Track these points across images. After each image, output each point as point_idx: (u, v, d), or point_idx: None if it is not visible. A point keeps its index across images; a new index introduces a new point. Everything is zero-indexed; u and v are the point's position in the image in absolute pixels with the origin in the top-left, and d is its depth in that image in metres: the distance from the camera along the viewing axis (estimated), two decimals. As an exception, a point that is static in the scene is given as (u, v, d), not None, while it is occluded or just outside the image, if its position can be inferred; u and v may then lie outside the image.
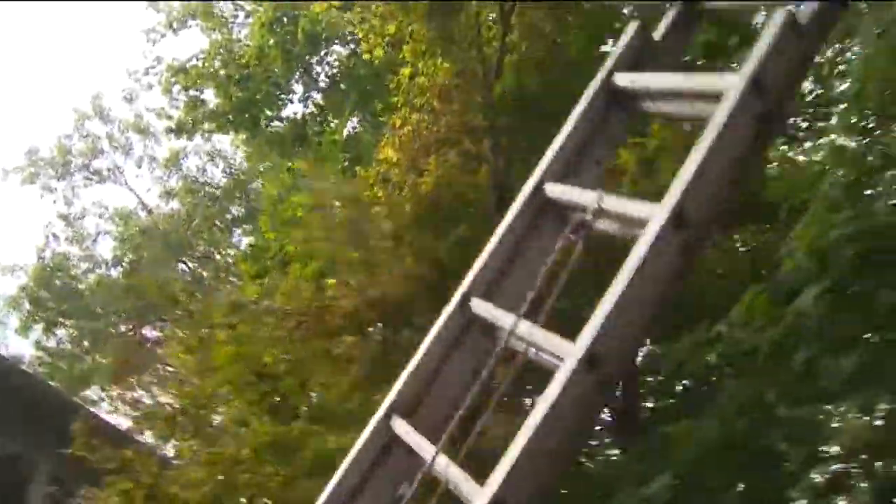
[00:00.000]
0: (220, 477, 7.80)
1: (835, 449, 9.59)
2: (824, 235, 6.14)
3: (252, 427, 8.24)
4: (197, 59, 16.86)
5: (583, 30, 10.56)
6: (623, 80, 3.08)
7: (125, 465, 8.48)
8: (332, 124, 17.43)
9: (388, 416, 2.78)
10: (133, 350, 28.56)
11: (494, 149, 10.13)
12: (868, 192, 7.41)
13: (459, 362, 2.90)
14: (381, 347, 8.77)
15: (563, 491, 8.23)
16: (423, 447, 2.60)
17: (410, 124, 9.80)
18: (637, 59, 3.15)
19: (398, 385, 2.86)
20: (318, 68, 16.99)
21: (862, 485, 8.63)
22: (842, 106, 8.04)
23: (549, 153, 3.08)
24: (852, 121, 7.76)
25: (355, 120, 17.27)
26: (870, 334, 7.73)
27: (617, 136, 3.35)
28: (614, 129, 3.26)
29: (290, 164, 16.90)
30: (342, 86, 17.04)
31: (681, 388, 9.79)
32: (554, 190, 2.96)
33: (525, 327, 2.59)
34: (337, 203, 9.43)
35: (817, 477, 10.11)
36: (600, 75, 3.16)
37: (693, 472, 7.59)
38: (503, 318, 2.71)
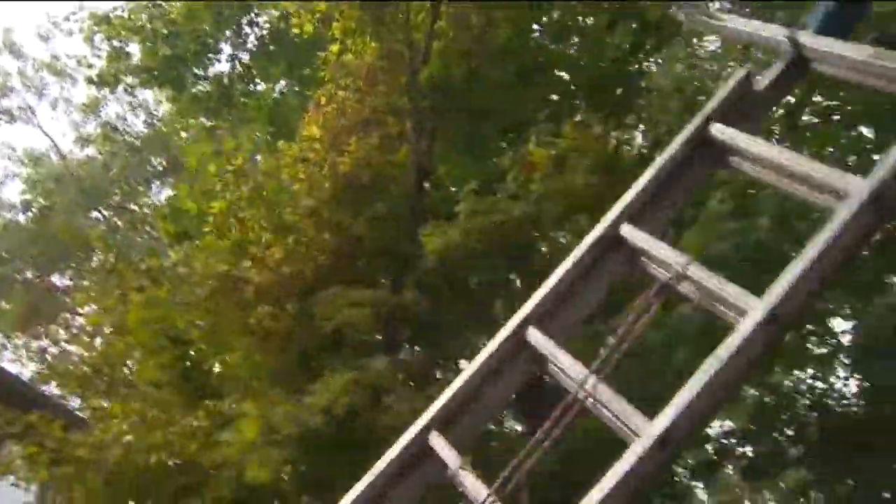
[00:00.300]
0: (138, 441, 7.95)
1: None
2: (707, 247, 6.73)
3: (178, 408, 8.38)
4: (122, 10, 16.47)
5: (512, 22, 10.88)
6: (720, 132, 3.03)
7: (29, 428, 8.47)
8: (259, 86, 17.29)
9: (426, 428, 2.84)
10: (40, 298, 27.97)
11: (417, 131, 10.43)
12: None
13: (502, 385, 2.93)
14: (296, 321, 9.03)
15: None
16: (455, 464, 2.70)
17: (336, 102, 9.98)
18: (735, 109, 3.09)
19: (441, 399, 2.88)
20: (248, 29, 16.81)
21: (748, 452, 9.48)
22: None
23: (631, 192, 3.03)
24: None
25: (283, 82, 17.16)
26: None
27: (698, 182, 3.28)
28: (697, 176, 3.20)
29: (211, 124, 16.75)
30: (271, 48, 16.89)
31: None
32: (631, 234, 2.94)
33: (592, 382, 2.63)
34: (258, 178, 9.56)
35: (709, 448, 11.05)
36: (696, 121, 3.09)
37: (583, 449, 8.18)
38: (569, 366, 2.71)
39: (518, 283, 11.75)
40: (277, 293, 8.93)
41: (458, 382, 2.86)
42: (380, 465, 2.86)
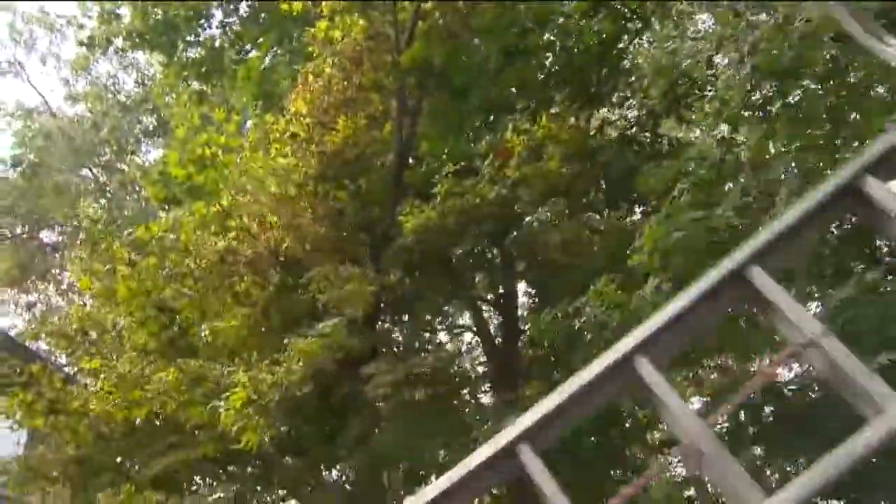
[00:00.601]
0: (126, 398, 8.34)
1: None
2: (667, 237, 7.09)
3: (162, 367, 8.75)
4: (114, -27, 16.50)
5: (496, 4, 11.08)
6: (875, 188, 2.85)
7: (31, 378, 8.93)
8: (250, 53, 17.38)
9: (517, 440, 2.73)
10: (30, 254, 28.21)
11: (401, 109, 10.71)
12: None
13: (594, 404, 2.85)
14: (279, 291, 9.41)
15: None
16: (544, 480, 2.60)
17: (323, 79, 10.22)
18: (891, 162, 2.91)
19: (535, 413, 2.78)
20: (240, -5, 16.88)
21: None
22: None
23: (766, 233, 2.91)
24: (715, 132, 8.74)
25: (274, 50, 17.24)
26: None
27: (830, 226, 3.23)
28: (831, 221, 3.15)
29: (202, 88, 16.89)
30: (262, 15, 16.96)
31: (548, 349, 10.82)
32: (760, 279, 2.79)
33: (708, 441, 2.48)
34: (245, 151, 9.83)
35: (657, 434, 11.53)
36: (848, 171, 2.95)
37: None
38: (681, 411, 2.59)
39: (498, 259, 12.10)
40: (262, 264, 9.29)
41: (555, 399, 2.76)
42: (463, 467, 2.75)
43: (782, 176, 8.14)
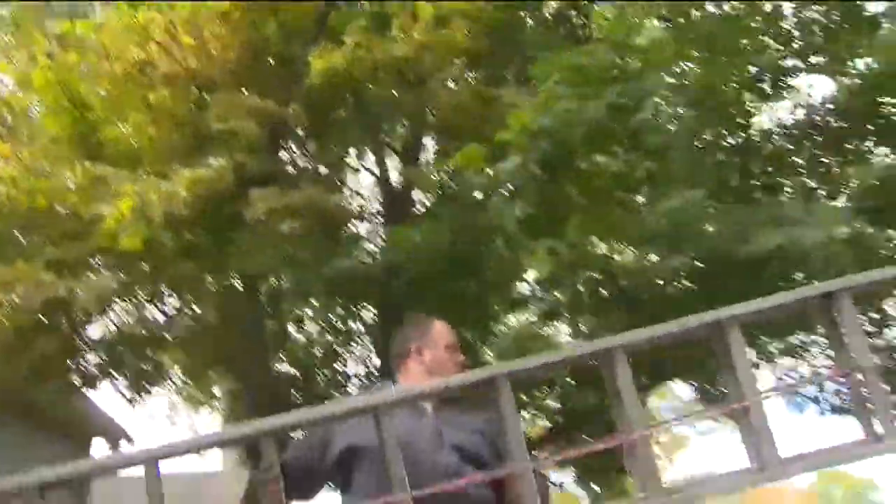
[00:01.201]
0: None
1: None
2: (534, 121, 7.92)
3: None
4: None
5: None
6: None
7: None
8: None
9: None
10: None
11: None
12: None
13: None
14: (194, 110, 10.00)
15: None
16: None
17: None
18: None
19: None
20: None
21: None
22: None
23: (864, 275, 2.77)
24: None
25: None
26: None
27: None
28: None
29: None
30: None
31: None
32: (846, 310, 2.67)
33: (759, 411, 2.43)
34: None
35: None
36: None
37: (407, 265, 9.74)
38: (750, 389, 2.55)
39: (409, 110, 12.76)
40: (179, 81, 9.81)
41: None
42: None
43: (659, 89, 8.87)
